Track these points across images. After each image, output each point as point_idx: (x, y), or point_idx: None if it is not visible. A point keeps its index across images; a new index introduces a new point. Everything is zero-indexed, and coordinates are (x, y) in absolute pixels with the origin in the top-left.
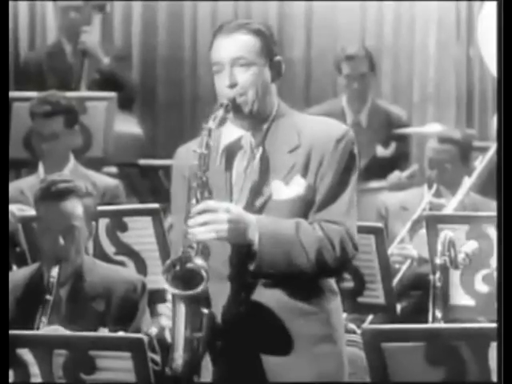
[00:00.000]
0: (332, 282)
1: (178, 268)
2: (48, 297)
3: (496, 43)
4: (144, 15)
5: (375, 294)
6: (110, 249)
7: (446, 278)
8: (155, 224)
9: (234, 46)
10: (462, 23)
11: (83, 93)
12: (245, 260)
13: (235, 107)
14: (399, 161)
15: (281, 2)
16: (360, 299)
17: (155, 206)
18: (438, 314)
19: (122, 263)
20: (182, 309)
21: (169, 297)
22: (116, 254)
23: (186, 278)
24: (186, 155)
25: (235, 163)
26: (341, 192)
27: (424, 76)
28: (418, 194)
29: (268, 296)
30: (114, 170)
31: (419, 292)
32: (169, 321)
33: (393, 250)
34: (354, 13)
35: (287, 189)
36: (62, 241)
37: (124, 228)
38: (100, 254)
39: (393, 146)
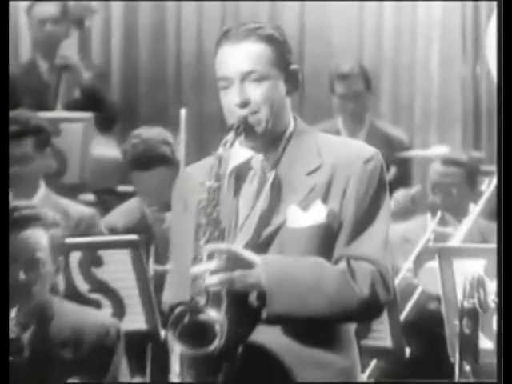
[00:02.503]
0: (352, 329)
1: (186, 320)
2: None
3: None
4: (124, 29)
5: (381, 336)
6: (83, 286)
7: (474, 323)
8: (134, 258)
9: (243, 57)
10: (467, 37)
11: (57, 113)
12: (255, 307)
13: (247, 127)
14: (400, 186)
15: (271, 16)
16: (364, 342)
17: (134, 237)
18: (467, 367)
19: (96, 302)
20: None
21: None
22: (90, 291)
23: (195, 330)
24: (190, 181)
25: (244, 188)
26: (371, 222)
27: (426, 94)
28: (420, 224)
29: (276, 342)
30: (91, 197)
31: (427, 332)
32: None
33: (395, 285)
34: (351, 26)
35: (305, 215)
36: (23, 275)
37: (99, 262)
38: (72, 292)
39: (392, 170)
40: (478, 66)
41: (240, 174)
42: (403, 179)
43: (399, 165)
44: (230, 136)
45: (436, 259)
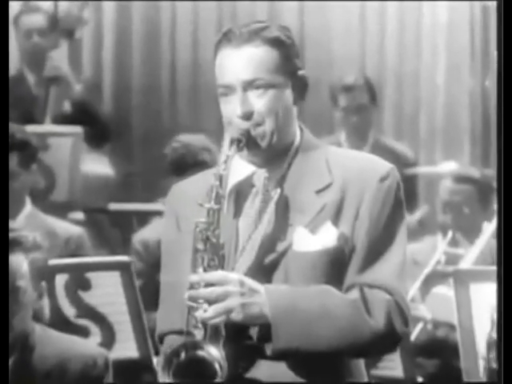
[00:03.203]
0: (363, 361)
1: (182, 357)
2: None
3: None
4: (116, 38)
5: (392, 365)
6: (69, 311)
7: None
8: (125, 281)
9: (247, 63)
10: (476, 45)
11: (45, 127)
12: (257, 340)
13: (249, 141)
14: (406, 205)
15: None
16: (374, 371)
17: (124, 258)
18: None
19: (84, 328)
20: None
21: None
22: (77, 317)
23: (191, 368)
24: (184, 198)
25: (245, 207)
26: (387, 246)
27: (432, 107)
28: (429, 245)
29: (280, 377)
30: (80, 216)
31: (436, 361)
32: None
33: None
34: (351, 34)
35: (313, 238)
36: None
37: (87, 286)
38: (58, 317)
39: None
40: (487, 77)
41: (241, 192)
42: (409, 198)
43: (405, 182)
44: (231, 151)
45: (446, 283)
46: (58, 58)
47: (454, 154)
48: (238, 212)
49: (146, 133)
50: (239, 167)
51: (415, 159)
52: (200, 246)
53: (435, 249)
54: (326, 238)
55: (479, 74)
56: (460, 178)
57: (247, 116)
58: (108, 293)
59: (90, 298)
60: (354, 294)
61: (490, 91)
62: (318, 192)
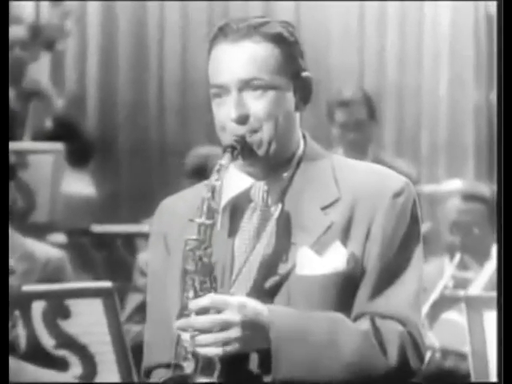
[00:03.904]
0: None
1: None
2: None
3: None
4: (101, 51)
5: None
6: (48, 341)
7: None
8: (107, 308)
9: (244, 61)
10: (481, 58)
11: (24, 143)
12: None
13: (245, 149)
14: None
15: None
16: None
17: (107, 284)
18: None
19: (63, 359)
20: None
21: None
22: (56, 347)
23: None
24: (172, 216)
25: (241, 225)
26: (401, 271)
27: (434, 122)
28: (436, 268)
29: None
30: (61, 238)
31: None
32: None
33: None
34: (350, 47)
35: (319, 260)
36: None
37: (66, 314)
38: (35, 348)
39: None
40: (493, 90)
41: (237, 208)
42: None
43: None
44: (225, 160)
45: (455, 308)
46: (39, 71)
47: (458, 171)
48: (233, 230)
49: (131, 150)
50: (235, 179)
51: (417, 177)
52: (190, 266)
53: (442, 272)
54: (334, 260)
55: (484, 87)
56: (469, 197)
57: (242, 120)
58: (89, 321)
59: (69, 326)
60: (365, 324)
61: (495, 105)
62: (324, 208)
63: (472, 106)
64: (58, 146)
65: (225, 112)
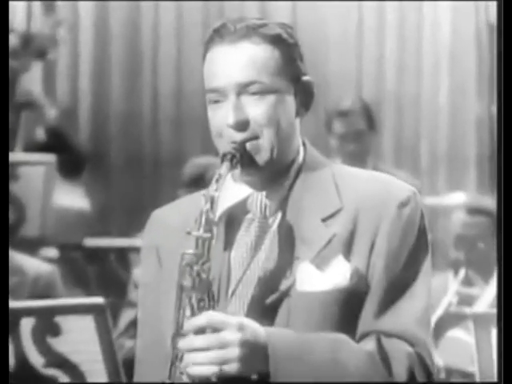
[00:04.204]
0: None
1: None
2: None
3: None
4: (94, 61)
5: None
6: (37, 359)
7: None
8: (99, 326)
9: (242, 63)
10: (483, 67)
11: (15, 155)
12: None
13: (244, 157)
14: None
15: None
16: None
17: (98, 300)
18: None
19: (53, 379)
20: None
21: None
22: (46, 366)
23: None
24: (166, 228)
25: (238, 237)
26: (409, 286)
27: (434, 134)
28: (440, 284)
29: None
30: (53, 252)
31: None
32: None
33: None
34: (349, 55)
35: (321, 276)
36: None
37: (56, 331)
38: (23, 367)
39: None
40: (495, 101)
41: (233, 219)
42: None
43: None
44: (223, 169)
45: (461, 326)
46: (30, 81)
47: (459, 184)
48: (229, 242)
49: (125, 162)
50: (231, 189)
51: (418, 189)
52: (187, 282)
53: (446, 288)
54: (336, 275)
55: (486, 97)
56: (474, 210)
57: (241, 126)
58: (80, 339)
59: (59, 344)
60: (370, 344)
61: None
62: (326, 219)
63: (473, 116)
64: (50, 157)
65: (222, 118)
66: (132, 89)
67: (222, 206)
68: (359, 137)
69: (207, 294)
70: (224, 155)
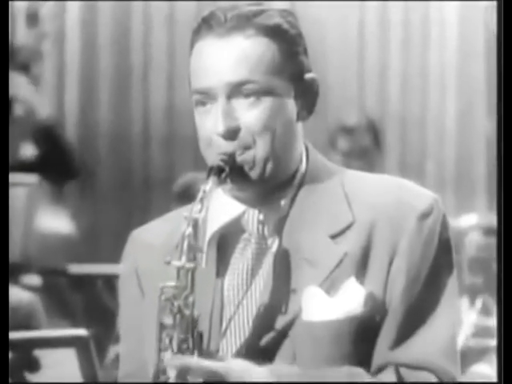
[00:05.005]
0: None
1: None
2: None
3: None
4: (81, 76)
5: None
6: None
7: None
8: (82, 360)
9: (233, 60)
10: (492, 81)
11: None
12: None
13: (235, 170)
14: None
15: None
16: None
17: (81, 332)
18: None
19: None
20: None
21: None
22: None
23: None
24: (147, 249)
25: (232, 262)
26: (432, 310)
27: (441, 156)
28: None
29: None
30: (35, 280)
31: None
32: None
33: None
34: (350, 72)
35: (331, 302)
36: None
37: (35, 366)
38: None
39: None
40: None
41: (226, 240)
42: None
43: None
44: (209, 185)
45: (484, 361)
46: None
47: (467, 208)
48: (222, 267)
49: (114, 184)
50: (223, 204)
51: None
52: (167, 320)
53: (460, 317)
54: (349, 301)
55: (495, 118)
56: (489, 231)
57: (231, 134)
58: (61, 375)
59: (39, 380)
60: (388, 377)
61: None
62: (335, 236)
63: (483, 138)
64: (32, 178)
65: (210, 124)
66: (121, 105)
67: (213, 225)
68: (364, 154)
69: (191, 334)
70: (211, 169)
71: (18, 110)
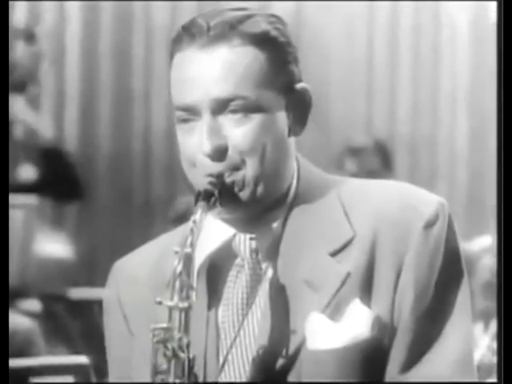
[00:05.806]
0: None
1: None
2: None
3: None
4: (81, 96)
5: None
6: None
7: None
8: None
9: (217, 73)
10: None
11: None
12: None
13: (223, 193)
14: None
15: None
16: None
17: (80, 359)
18: None
19: None
20: None
21: None
22: None
23: None
24: (133, 285)
25: (225, 290)
26: (442, 325)
27: (452, 179)
28: None
29: None
30: (33, 305)
31: None
32: None
33: None
34: (357, 93)
35: (335, 328)
36: None
37: None
38: None
39: None
40: None
41: (218, 266)
42: None
43: None
44: (198, 214)
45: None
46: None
47: (480, 230)
48: (214, 298)
49: (114, 206)
50: (211, 229)
51: None
52: (156, 359)
53: (475, 342)
54: (355, 325)
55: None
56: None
57: (219, 154)
58: None
59: None
60: None
61: None
62: (335, 254)
63: (494, 157)
64: (31, 199)
65: (194, 143)
66: (122, 129)
67: (202, 252)
68: (373, 176)
69: (188, 377)
70: (198, 193)
71: (17, 132)
